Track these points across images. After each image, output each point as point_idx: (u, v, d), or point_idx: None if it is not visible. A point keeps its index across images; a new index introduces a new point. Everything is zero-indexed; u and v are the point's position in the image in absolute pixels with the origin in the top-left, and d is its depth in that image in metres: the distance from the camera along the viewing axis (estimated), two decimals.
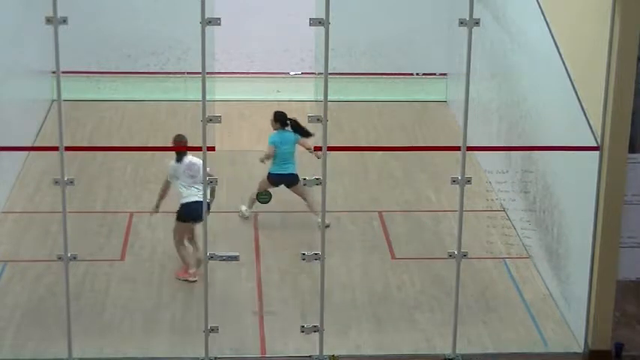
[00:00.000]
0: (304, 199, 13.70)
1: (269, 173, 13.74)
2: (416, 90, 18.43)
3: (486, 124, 14.86)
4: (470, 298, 12.08)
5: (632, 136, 10.49)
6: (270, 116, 13.86)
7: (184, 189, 12.32)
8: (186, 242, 12.56)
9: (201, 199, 10.78)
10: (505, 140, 14.21)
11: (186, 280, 12.32)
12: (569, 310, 11.61)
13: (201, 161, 10.76)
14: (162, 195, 12.59)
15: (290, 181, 13.70)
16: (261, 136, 16.71)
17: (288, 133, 13.72)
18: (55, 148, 10.35)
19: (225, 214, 13.87)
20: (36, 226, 13.60)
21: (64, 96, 10.18)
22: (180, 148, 12.23)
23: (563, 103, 11.72)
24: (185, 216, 12.31)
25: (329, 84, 10.20)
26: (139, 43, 17.51)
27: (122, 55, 17.80)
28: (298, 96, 17.65)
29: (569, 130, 11.51)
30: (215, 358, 10.79)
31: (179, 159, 12.34)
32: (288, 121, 13.75)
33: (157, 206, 12.65)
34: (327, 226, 11.77)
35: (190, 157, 12.28)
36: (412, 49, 18.22)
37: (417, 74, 18.47)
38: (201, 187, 11.29)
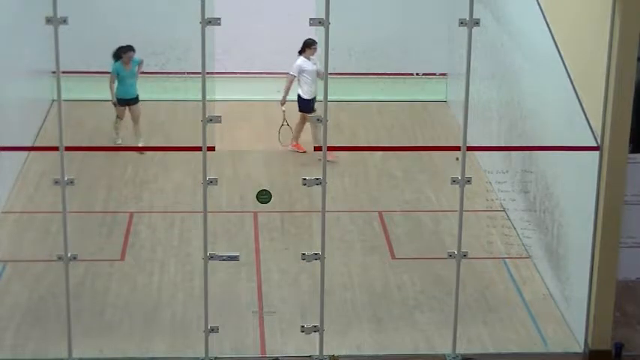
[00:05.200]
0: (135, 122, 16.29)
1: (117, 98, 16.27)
2: (416, 90, 18.42)
3: (486, 124, 14.86)
4: (470, 298, 12.08)
5: None
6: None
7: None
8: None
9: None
10: (505, 140, 14.21)
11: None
12: (569, 310, 11.61)
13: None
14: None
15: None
16: (261, 136, 16.75)
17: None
18: (55, 148, 10.36)
19: (225, 214, 13.88)
20: (36, 226, 13.60)
21: (64, 96, 10.19)
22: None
23: (563, 103, 11.72)
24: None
25: (329, 84, 10.21)
26: (139, 43, 17.48)
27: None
28: None
29: (569, 130, 11.51)
30: (215, 358, 10.79)
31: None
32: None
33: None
34: None
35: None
36: (412, 49, 18.21)
37: (417, 74, 18.46)
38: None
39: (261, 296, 12.13)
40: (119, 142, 16.30)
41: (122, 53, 16.19)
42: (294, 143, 16.11)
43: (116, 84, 16.27)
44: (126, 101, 16.29)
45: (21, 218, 13.89)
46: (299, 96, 15.95)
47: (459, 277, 10.80)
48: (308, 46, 15.74)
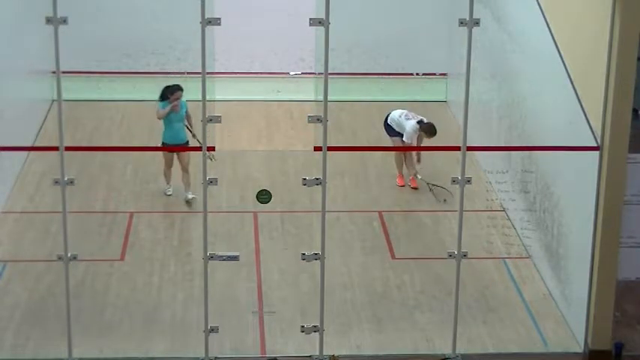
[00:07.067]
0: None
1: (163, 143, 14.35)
2: (416, 90, 18.42)
3: (486, 124, 14.86)
4: (470, 298, 12.08)
5: None
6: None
7: None
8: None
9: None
10: (505, 140, 14.21)
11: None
12: (569, 310, 11.61)
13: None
14: None
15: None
16: (261, 136, 16.75)
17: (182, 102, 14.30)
18: (55, 148, 10.36)
19: (225, 214, 13.88)
20: (36, 226, 13.60)
21: (64, 96, 10.19)
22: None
23: (563, 103, 11.72)
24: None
25: (329, 84, 10.21)
26: (139, 43, 17.51)
27: (122, 55, 17.79)
28: (298, 96, 17.65)
29: (569, 130, 11.51)
30: (215, 358, 10.79)
31: None
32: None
33: None
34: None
35: None
36: (412, 49, 18.21)
37: (417, 74, 18.46)
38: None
39: (261, 296, 12.13)
40: (169, 192, 14.51)
41: (169, 94, 14.20)
42: (411, 177, 15.12)
43: (162, 127, 14.36)
44: (173, 147, 14.33)
45: (21, 218, 13.89)
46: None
47: (459, 277, 10.80)
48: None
